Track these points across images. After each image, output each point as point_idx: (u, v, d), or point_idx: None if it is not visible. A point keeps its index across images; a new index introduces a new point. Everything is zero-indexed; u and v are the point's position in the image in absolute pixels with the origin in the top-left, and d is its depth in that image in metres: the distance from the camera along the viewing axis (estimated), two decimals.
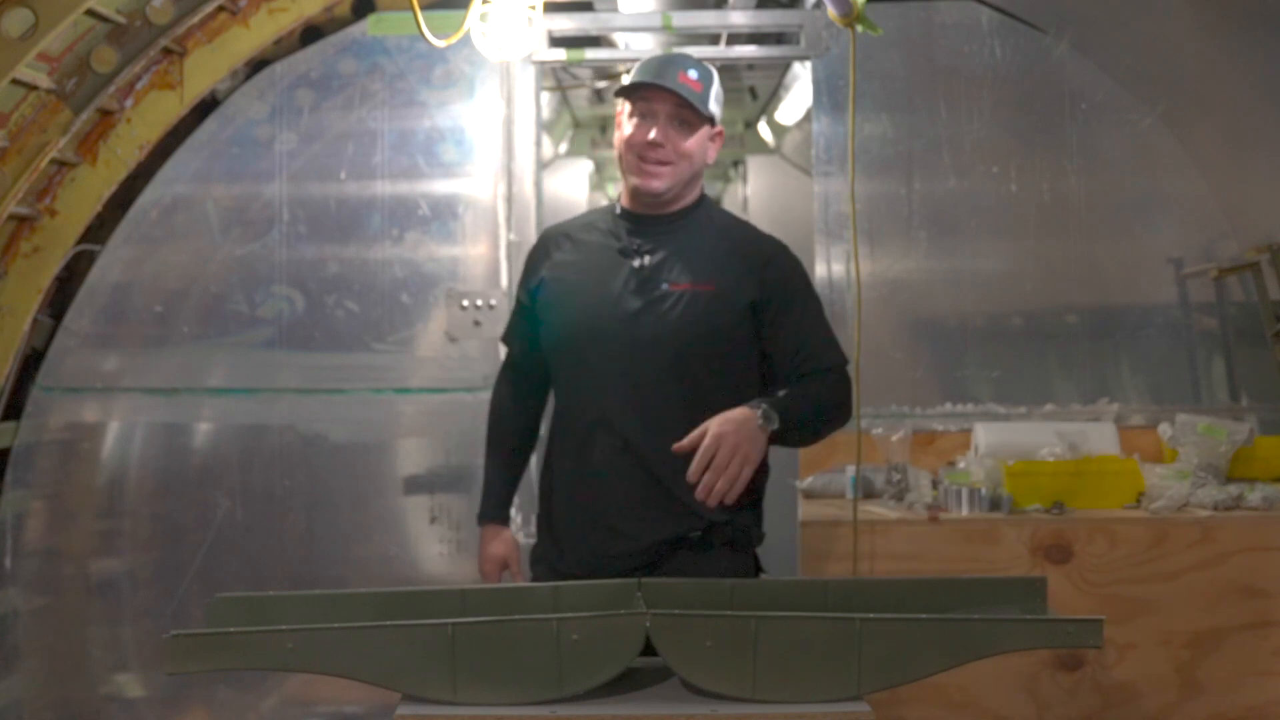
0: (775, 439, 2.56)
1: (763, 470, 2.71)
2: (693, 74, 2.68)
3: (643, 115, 2.69)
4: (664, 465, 2.61)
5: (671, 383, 2.65)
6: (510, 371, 2.99)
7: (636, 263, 2.70)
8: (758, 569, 2.77)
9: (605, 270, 2.72)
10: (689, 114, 2.68)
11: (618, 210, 2.79)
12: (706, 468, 2.44)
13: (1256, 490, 3.58)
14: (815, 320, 2.75)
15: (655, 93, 2.67)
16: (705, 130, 2.71)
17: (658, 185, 2.69)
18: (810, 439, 2.76)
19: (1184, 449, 3.74)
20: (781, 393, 2.62)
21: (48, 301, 4.00)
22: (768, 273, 2.72)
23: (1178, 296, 4.11)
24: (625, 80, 2.74)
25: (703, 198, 2.81)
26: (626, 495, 2.64)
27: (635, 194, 2.74)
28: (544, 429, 3.00)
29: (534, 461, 3.20)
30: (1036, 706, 3.46)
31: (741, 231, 2.81)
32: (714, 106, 2.73)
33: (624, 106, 2.73)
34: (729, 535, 2.68)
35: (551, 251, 2.81)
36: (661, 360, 2.65)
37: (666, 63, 2.71)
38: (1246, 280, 3.96)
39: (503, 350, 3.08)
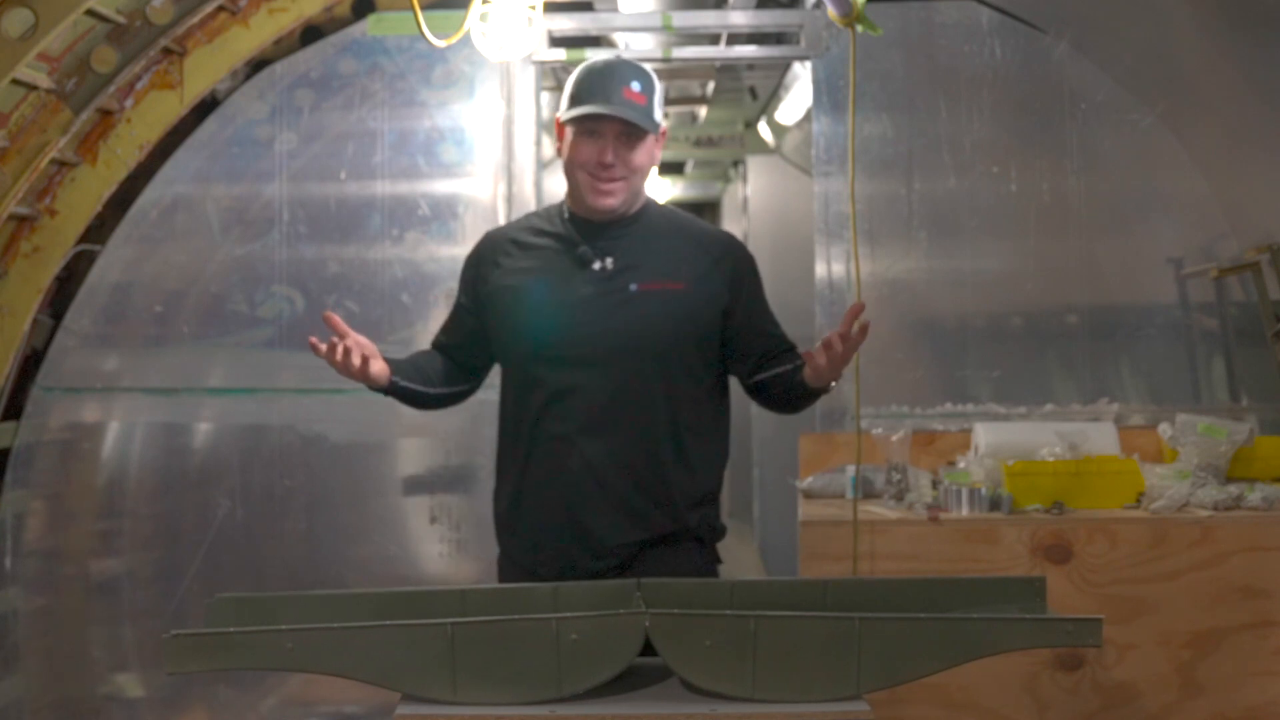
0: (815, 393, 2.60)
1: (722, 455, 2.75)
2: (635, 86, 2.63)
3: (590, 133, 2.64)
4: (644, 465, 2.62)
5: (651, 383, 2.63)
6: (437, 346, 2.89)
7: (597, 265, 2.66)
8: (717, 561, 2.79)
9: (565, 275, 2.67)
10: (636, 128, 2.64)
11: (566, 215, 2.73)
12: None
13: (1256, 490, 3.58)
14: (767, 305, 2.80)
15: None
16: (651, 139, 2.68)
17: (612, 203, 2.66)
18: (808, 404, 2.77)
19: (1184, 449, 3.74)
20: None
21: (48, 301, 4.01)
22: (732, 266, 2.73)
23: (1178, 296, 4.11)
24: (566, 97, 2.68)
25: (647, 199, 2.78)
26: (603, 499, 2.61)
27: (587, 209, 2.70)
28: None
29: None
30: (1036, 706, 3.46)
31: (693, 226, 2.79)
32: (658, 114, 2.69)
33: (568, 125, 2.68)
34: (698, 531, 2.68)
35: (499, 258, 2.74)
36: (639, 362, 2.63)
37: (608, 77, 2.64)
38: (1246, 280, 3.96)
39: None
